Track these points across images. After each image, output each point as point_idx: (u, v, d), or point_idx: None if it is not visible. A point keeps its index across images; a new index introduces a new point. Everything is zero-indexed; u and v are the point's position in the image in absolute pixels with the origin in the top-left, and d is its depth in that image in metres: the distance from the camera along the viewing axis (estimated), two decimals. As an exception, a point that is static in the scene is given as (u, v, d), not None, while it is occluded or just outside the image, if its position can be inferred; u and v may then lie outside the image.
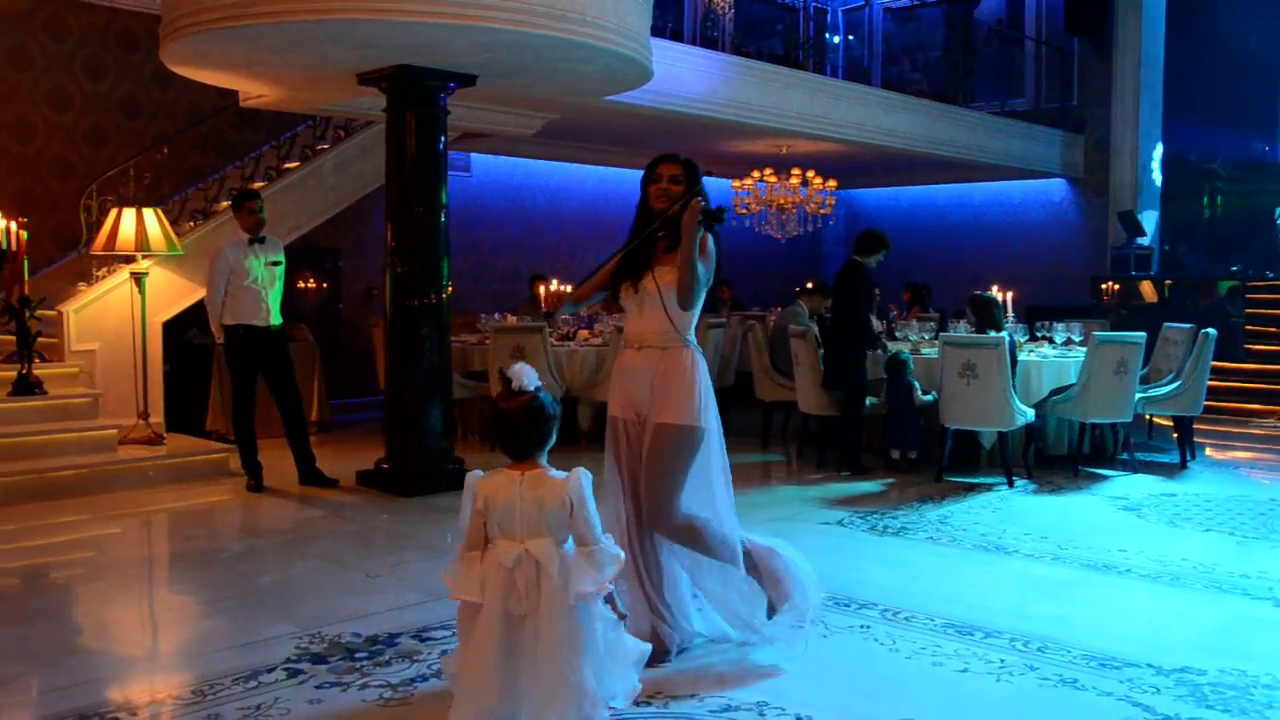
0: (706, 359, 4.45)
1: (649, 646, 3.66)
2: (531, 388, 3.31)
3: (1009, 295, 10.30)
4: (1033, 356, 8.78)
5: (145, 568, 6.24)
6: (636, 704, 3.90)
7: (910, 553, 6.24)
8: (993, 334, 8.15)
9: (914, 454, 8.61)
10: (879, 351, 8.67)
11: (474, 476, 3.28)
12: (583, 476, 3.28)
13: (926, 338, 9.51)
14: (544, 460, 3.34)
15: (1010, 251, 16.08)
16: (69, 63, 9.79)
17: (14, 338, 7.97)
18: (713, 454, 4.39)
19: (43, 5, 9.61)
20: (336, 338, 11.75)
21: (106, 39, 9.95)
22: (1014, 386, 7.98)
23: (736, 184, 13.62)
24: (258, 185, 9.49)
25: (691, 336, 4.30)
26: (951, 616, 4.95)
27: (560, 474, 3.28)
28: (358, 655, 4.41)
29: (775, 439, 10.20)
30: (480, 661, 3.17)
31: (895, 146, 13.28)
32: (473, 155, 12.92)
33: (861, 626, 4.85)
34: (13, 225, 8.39)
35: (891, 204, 17.57)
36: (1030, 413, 8.14)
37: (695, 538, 4.30)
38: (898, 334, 9.92)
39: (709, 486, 4.38)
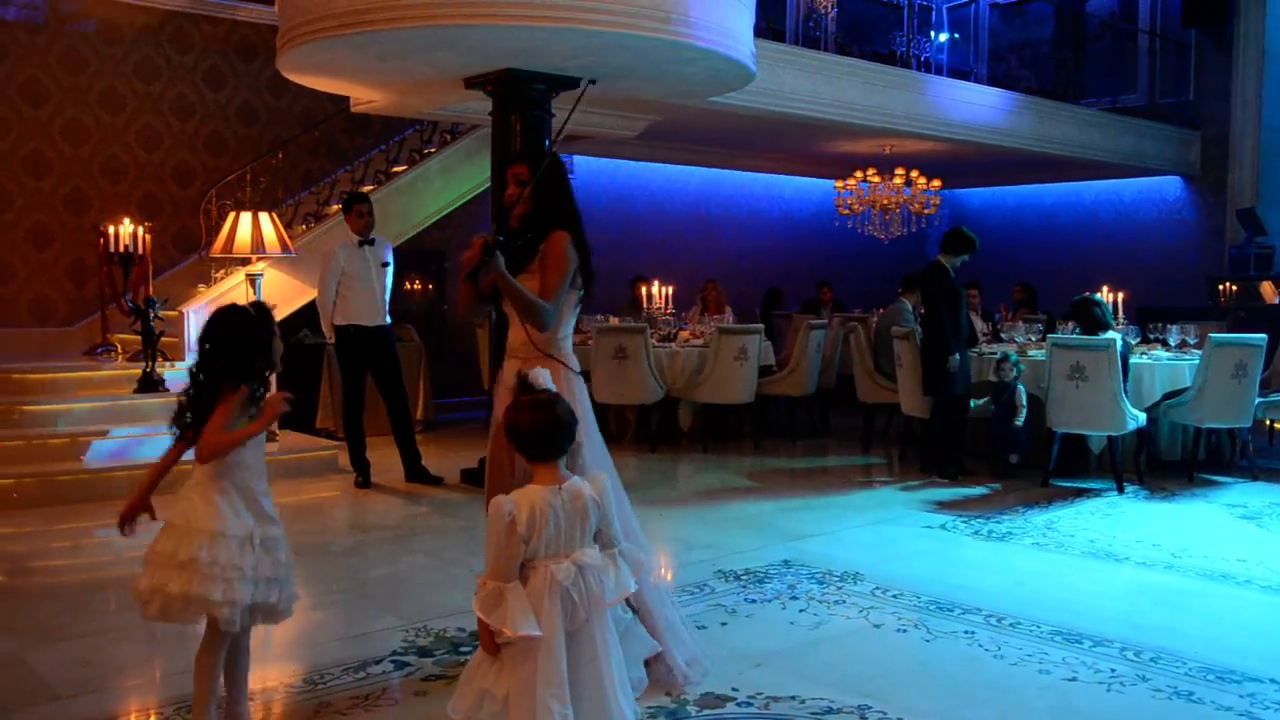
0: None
1: (655, 643, 3.68)
2: (551, 389, 3.21)
3: (1120, 296, 10.02)
4: (1145, 359, 8.53)
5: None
6: (737, 704, 3.90)
7: (1015, 558, 6.11)
8: (1103, 335, 7.93)
9: (1015, 459, 8.38)
10: (955, 356, 8.34)
11: (510, 505, 3.00)
12: (606, 480, 3.20)
13: (1033, 339, 9.30)
14: (564, 466, 3.18)
15: (1121, 251, 15.64)
16: (191, 74, 10.11)
17: (139, 337, 8.25)
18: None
19: (169, 19, 9.94)
20: (441, 338, 11.92)
21: (226, 50, 10.25)
22: (1125, 390, 7.77)
23: (839, 184, 13.48)
24: (367, 189, 9.68)
25: (556, 351, 4.06)
26: (1059, 624, 4.84)
27: (580, 479, 3.16)
28: (462, 649, 4.46)
29: (877, 441, 10.08)
30: (552, 690, 2.96)
31: (1002, 145, 13.00)
32: (576, 157, 13.00)
33: (965, 632, 4.76)
34: (139, 230, 8.71)
35: (997, 204, 17.22)
36: (1142, 417, 7.91)
37: None
38: (1003, 335, 9.71)
39: None
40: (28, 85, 9.36)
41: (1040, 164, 14.83)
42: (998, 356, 8.41)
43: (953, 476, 8.29)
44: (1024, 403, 8.21)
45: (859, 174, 13.23)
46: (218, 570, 3.26)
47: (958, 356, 8.29)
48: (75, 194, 9.62)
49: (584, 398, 4.16)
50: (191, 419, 3.43)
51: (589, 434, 4.07)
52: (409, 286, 11.98)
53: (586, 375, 9.35)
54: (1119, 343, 7.82)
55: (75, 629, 4.68)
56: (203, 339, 3.50)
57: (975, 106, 12.63)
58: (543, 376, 3.19)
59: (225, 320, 3.51)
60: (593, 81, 4.28)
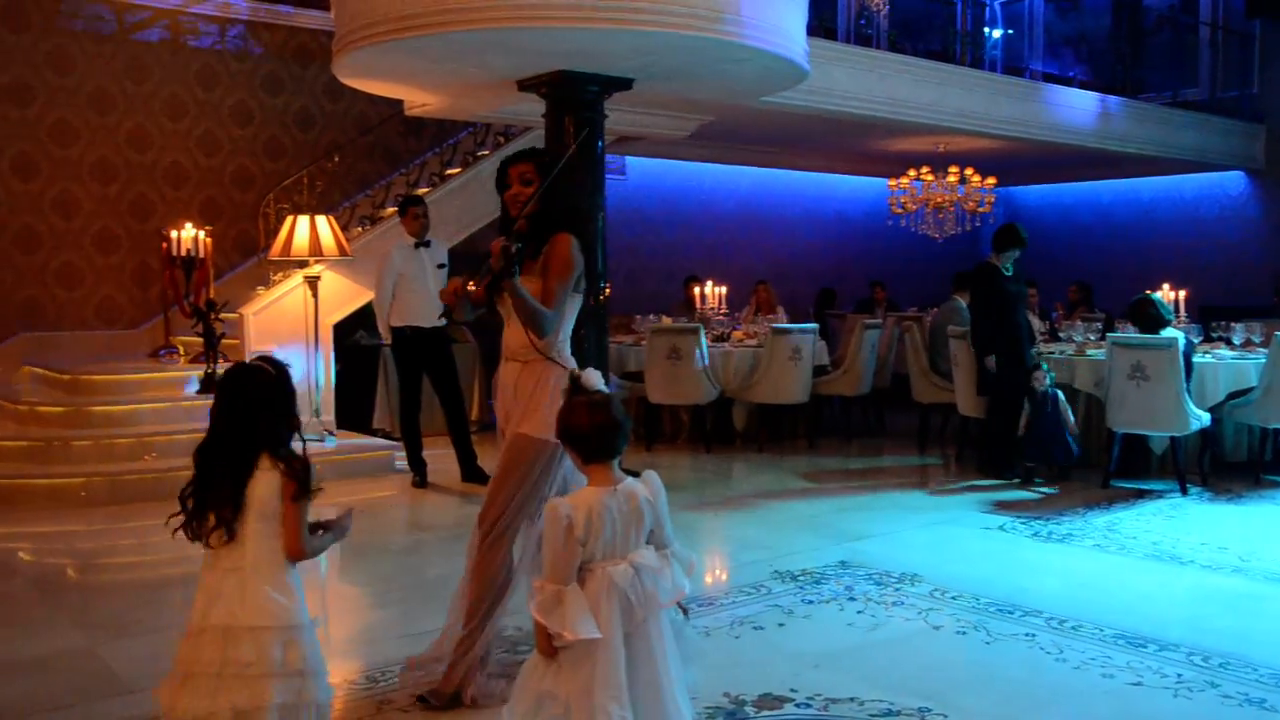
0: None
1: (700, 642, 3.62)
2: (603, 389, 3.16)
3: (1181, 294, 9.83)
4: (1208, 358, 8.34)
5: (317, 559, 6.44)
6: (796, 705, 3.87)
7: (1076, 560, 6.02)
8: (1164, 334, 7.77)
9: (1059, 467, 8.09)
10: (990, 357, 8.24)
11: (566, 508, 2.95)
12: (657, 479, 3.14)
13: (1092, 338, 9.14)
14: (618, 467, 3.11)
15: (1182, 248, 15.34)
16: (250, 80, 10.23)
17: (201, 339, 8.36)
18: (568, 480, 3.98)
19: (229, 27, 10.08)
20: (496, 339, 11.91)
21: (284, 56, 10.37)
22: (1188, 389, 7.62)
23: (892, 183, 13.34)
24: (422, 191, 9.73)
25: (556, 355, 3.99)
26: (1122, 627, 4.75)
27: (635, 480, 3.10)
28: (520, 648, 4.46)
29: (933, 442, 9.97)
30: (611, 692, 2.91)
31: (1057, 141, 12.81)
32: (628, 158, 13.00)
33: (1026, 635, 4.69)
34: (200, 234, 8.83)
35: (1054, 201, 16.99)
36: (1205, 417, 7.73)
37: (491, 561, 3.99)
38: (1061, 334, 9.57)
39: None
40: (95, 94, 9.52)
41: (1098, 160, 14.58)
42: (1030, 364, 8.13)
43: (1009, 478, 8.15)
44: (1066, 406, 7.91)
45: (912, 172, 13.09)
46: (319, 665, 2.99)
47: (993, 357, 8.19)
48: (140, 200, 9.77)
49: None
50: (213, 501, 2.94)
51: None
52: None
53: (639, 376, 9.46)
54: (1181, 341, 7.66)
55: (144, 624, 4.75)
56: (230, 405, 3.01)
57: (1030, 103, 12.46)
58: (595, 377, 3.15)
59: (253, 382, 3.04)
60: (573, 152, 4.17)
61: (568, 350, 4.07)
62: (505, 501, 3.94)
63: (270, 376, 3.02)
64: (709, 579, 5.86)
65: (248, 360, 3.14)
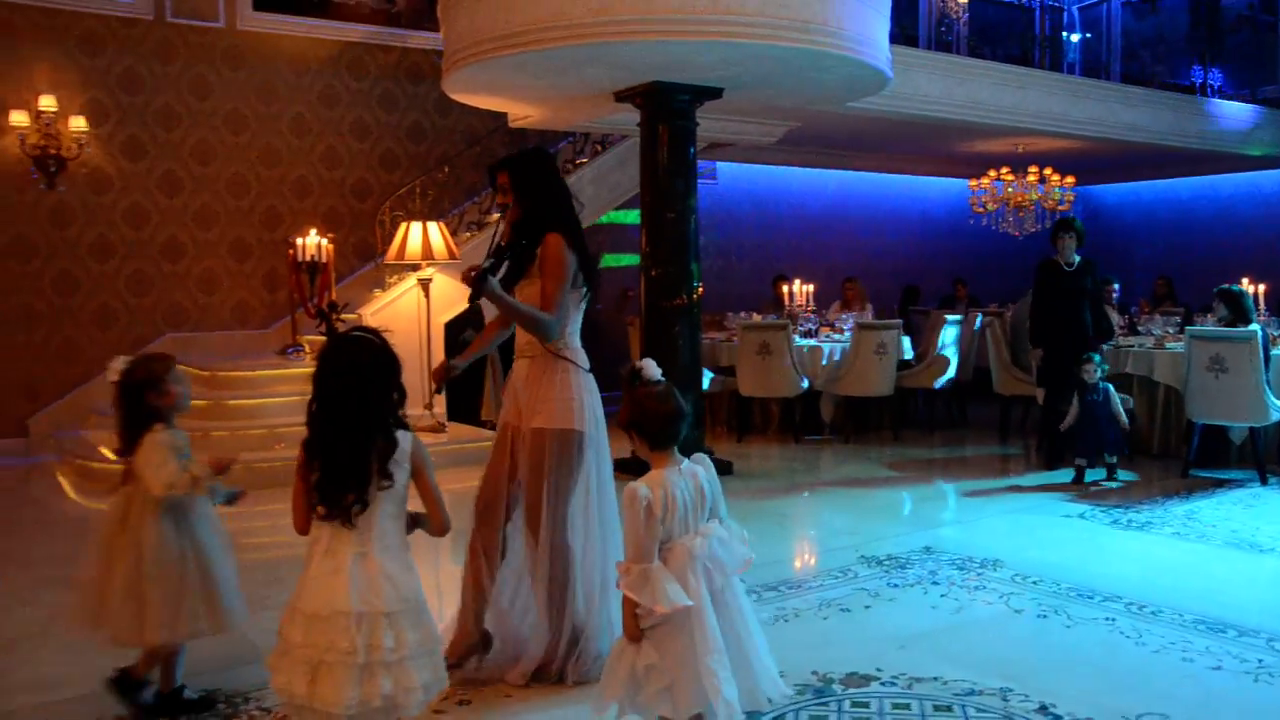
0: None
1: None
2: (662, 380, 3.12)
3: (1261, 288, 9.46)
4: (1288, 350, 8.02)
5: (432, 542, 6.52)
6: (881, 684, 3.81)
7: (1155, 547, 5.83)
8: (1244, 328, 7.48)
9: (1111, 460, 7.64)
10: (1038, 350, 8.09)
11: (645, 490, 2.91)
12: (709, 460, 3.12)
13: (1170, 331, 8.85)
14: (677, 451, 3.08)
15: (1261, 243, 14.72)
16: (367, 98, 10.40)
17: (324, 338, 8.50)
18: (598, 468, 3.94)
19: (348, 50, 10.25)
20: (595, 335, 11.96)
21: (398, 74, 10.52)
22: (1267, 381, 7.32)
23: (973, 183, 13.09)
24: (526, 198, 9.78)
25: (565, 350, 3.86)
26: (1202, 613, 4.59)
27: (692, 462, 3.08)
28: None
29: (1014, 432, 9.75)
30: (713, 655, 2.90)
31: (1136, 141, 12.43)
32: (718, 164, 12.94)
33: (1106, 619, 4.56)
34: (324, 241, 9.01)
35: (1132, 199, 16.47)
36: (1286, 407, 7.44)
37: (552, 554, 3.84)
38: (1140, 328, 9.29)
39: (594, 505, 3.91)
40: (231, 117, 9.78)
41: (1176, 158, 14.10)
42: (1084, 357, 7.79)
43: (1052, 463, 7.98)
44: (1118, 400, 7.53)
45: (993, 173, 12.84)
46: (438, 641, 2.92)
47: (1040, 351, 8.04)
48: (270, 211, 10.01)
49: (595, 396, 3.93)
50: (345, 478, 2.72)
51: (599, 435, 3.91)
52: (565, 288, 12.07)
53: (732, 370, 9.42)
54: (1261, 334, 7.37)
55: (276, 600, 4.82)
56: (345, 374, 2.76)
57: (1108, 104, 12.12)
58: (653, 367, 3.14)
59: (368, 350, 2.82)
60: (546, 157, 4.11)
61: (576, 343, 3.94)
62: (542, 496, 3.85)
63: (378, 345, 2.88)
64: (798, 563, 5.82)
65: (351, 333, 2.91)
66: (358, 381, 2.75)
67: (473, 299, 3.69)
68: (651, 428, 3.02)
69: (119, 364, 3.45)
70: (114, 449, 3.52)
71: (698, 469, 3.06)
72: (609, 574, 3.80)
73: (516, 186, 3.82)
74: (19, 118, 8.68)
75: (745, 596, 3.11)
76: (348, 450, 2.71)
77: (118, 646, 3.45)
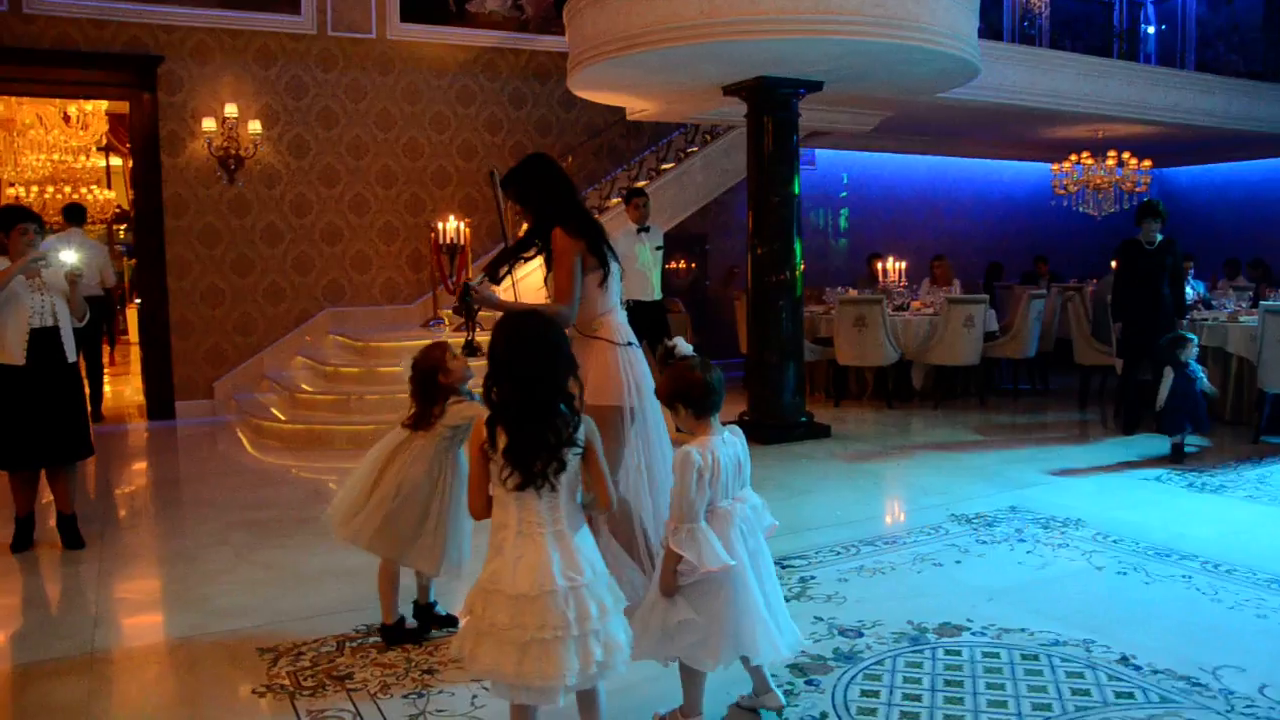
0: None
1: None
2: (693, 354, 3.06)
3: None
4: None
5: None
6: (972, 634, 3.76)
7: (1229, 509, 5.61)
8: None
9: (1194, 437, 7.18)
10: (1118, 324, 7.83)
11: (697, 455, 2.85)
12: (741, 431, 3.06)
13: (1243, 306, 8.46)
14: (717, 420, 3.01)
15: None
16: (499, 96, 10.51)
17: (460, 311, 8.68)
18: (648, 433, 3.78)
19: (482, 54, 10.36)
20: (703, 309, 12.00)
21: (526, 75, 10.60)
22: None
23: (1055, 167, 12.74)
24: (641, 184, 9.82)
25: (599, 329, 3.72)
26: (1275, 572, 4.43)
27: (729, 433, 3.02)
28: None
29: (1093, 400, 9.46)
30: (753, 611, 2.90)
31: (1209, 126, 11.96)
32: (817, 151, 12.76)
33: (1183, 576, 4.43)
34: (461, 225, 9.17)
35: (1206, 181, 15.70)
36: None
37: (618, 525, 3.72)
38: (1214, 304, 8.93)
39: (644, 467, 3.78)
40: (380, 116, 9.99)
41: (1248, 142, 13.41)
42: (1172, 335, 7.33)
43: (1129, 430, 7.78)
44: (1202, 386, 6.94)
45: (1074, 157, 12.47)
46: None
47: (1120, 325, 7.81)
48: (413, 199, 10.21)
49: (636, 368, 3.74)
50: (547, 454, 2.58)
51: (645, 403, 3.75)
52: (674, 266, 12.11)
53: (829, 341, 9.32)
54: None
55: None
56: (533, 353, 2.60)
57: (1183, 91, 11.67)
58: (683, 344, 3.09)
59: (553, 328, 2.70)
60: (492, 172, 4.00)
61: (614, 319, 3.76)
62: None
63: (554, 321, 2.76)
64: (892, 520, 5.76)
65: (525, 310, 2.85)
66: (546, 354, 2.60)
67: (459, 311, 3.86)
68: (695, 396, 2.95)
69: (407, 363, 3.74)
70: (408, 419, 3.75)
71: (735, 439, 3.03)
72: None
73: (519, 197, 3.76)
74: (208, 124, 9.04)
75: (770, 558, 3.10)
76: (538, 418, 2.56)
77: (348, 543, 3.76)
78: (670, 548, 2.87)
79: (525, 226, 3.84)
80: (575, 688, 2.60)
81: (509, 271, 3.87)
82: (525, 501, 2.59)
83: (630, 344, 3.77)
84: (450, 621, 3.88)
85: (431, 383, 3.67)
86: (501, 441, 2.57)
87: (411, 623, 3.85)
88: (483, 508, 2.67)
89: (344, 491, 3.76)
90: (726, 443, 2.98)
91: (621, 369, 3.69)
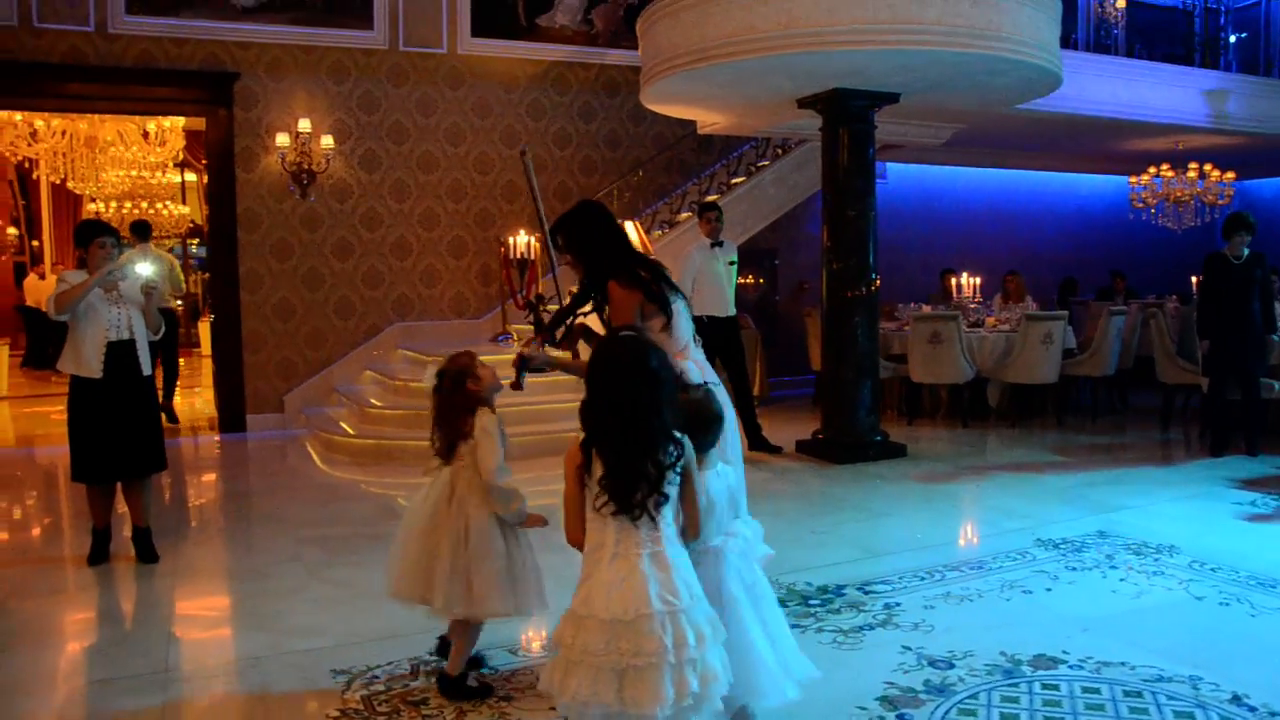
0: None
1: None
2: (699, 382, 2.99)
3: None
4: None
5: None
6: (1069, 666, 3.57)
7: (1336, 537, 5.31)
8: None
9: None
10: (1205, 342, 7.57)
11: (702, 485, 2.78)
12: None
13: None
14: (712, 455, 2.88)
15: None
16: (569, 110, 10.49)
17: (531, 327, 8.65)
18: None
19: (552, 68, 10.35)
20: (774, 325, 11.84)
21: (595, 88, 10.57)
22: None
23: (1134, 180, 12.37)
24: (712, 198, 9.72)
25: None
26: (1397, 607, 4.15)
27: (720, 462, 2.91)
28: (811, 602, 4.35)
29: (1176, 420, 9.13)
30: (750, 655, 2.78)
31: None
32: (889, 164, 12.54)
33: (1293, 609, 4.17)
34: (531, 239, 9.14)
35: (1290, 192, 15.20)
36: None
37: None
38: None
39: None
40: (450, 130, 10.02)
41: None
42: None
43: (1218, 450, 7.49)
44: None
45: (1153, 169, 12.12)
46: None
47: (1207, 342, 7.55)
48: (482, 213, 10.22)
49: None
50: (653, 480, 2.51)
51: (727, 445, 3.53)
52: (745, 280, 11.97)
53: (903, 358, 9.11)
54: None
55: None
56: (650, 380, 2.52)
57: (1267, 100, 11.31)
58: (691, 372, 3.09)
59: (656, 355, 2.59)
60: (524, 149, 3.86)
61: (690, 356, 3.67)
62: None
63: (655, 347, 2.63)
64: (976, 545, 5.55)
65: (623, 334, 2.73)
66: (645, 380, 2.51)
67: (516, 386, 3.66)
68: (697, 431, 2.78)
69: (430, 372, 3.48)
70: (436, 448, 3.46)
71: (730, 468, 2.94)
72: None
73: (570, 247, 3.64)
74: (282, 139, 9.14)
75: (770, 590, 2.97)
76: (638, 447, 2.48)
77: (441, 615, 3.42)
78: None
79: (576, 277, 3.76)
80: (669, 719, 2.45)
81: (568, 331, 3.79)
82: (624, 524, 2.51)
83: (709, 385, 3.60)
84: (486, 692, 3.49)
85: (461, 392, 3.41)
86: (598, 469, 2.49)
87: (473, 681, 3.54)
88: (578, 534, 2.59)
89: (397, 560, 3.46)
90: (720, 474, 2.87)
91: None
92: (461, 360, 3.46)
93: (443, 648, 3.64)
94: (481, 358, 3.51)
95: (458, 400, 3.41)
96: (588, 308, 3.78)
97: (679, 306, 3.64)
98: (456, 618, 3.43)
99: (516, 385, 3.68)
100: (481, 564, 3.32)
